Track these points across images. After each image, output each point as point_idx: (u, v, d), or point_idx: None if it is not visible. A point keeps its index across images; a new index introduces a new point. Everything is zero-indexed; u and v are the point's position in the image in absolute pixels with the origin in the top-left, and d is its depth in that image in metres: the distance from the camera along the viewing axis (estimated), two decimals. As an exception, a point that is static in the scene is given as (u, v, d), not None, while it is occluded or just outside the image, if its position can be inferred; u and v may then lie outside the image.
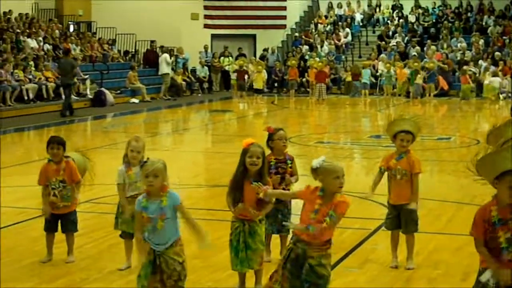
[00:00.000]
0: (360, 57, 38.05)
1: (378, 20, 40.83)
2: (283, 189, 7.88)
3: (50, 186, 8.25)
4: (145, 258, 6.19)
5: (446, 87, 33.10)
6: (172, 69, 33.96)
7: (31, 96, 26.54)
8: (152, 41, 36.05)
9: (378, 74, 34.61)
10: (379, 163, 8.22)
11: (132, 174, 7.84)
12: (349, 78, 34.48)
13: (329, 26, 40.40)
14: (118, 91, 31.27)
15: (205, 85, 35.96)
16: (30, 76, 27.15)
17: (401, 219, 8.07)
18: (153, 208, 6.09)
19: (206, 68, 36.24)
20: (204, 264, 8.16)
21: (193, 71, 36.20)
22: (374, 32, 40.12)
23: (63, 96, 26.23)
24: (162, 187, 6.10)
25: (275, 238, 8.28)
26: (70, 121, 24.34)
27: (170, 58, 33.63)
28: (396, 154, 8.07)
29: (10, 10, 32.11)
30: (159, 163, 6.09)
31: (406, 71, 33.26)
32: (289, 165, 8.06)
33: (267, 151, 7.87)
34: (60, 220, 8.33)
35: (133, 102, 30.71)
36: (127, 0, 36.57)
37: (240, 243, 6.98)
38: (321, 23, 40.59)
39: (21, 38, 30.11)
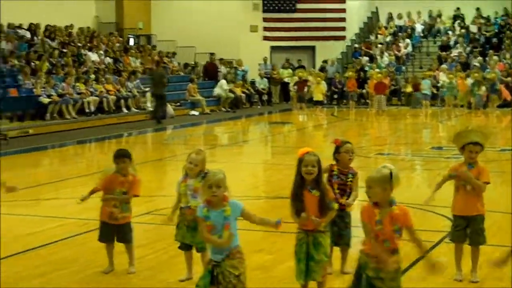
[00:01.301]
0: (420, 68, 37.72)
1: (439, 30, 40.43)
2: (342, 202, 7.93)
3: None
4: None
5: (509, 97, 32.64)
6: (232, 81, 34.14)
7: (92, 109, 26.90)
8: (211, 54, 36.31)
9: (439, 85, 34.26)
10: (448, 172, 8.10)
11: (183, 185, 7.84)
12: (410, 89, 34.19)
13: (389, 37, 40.16)
14: (178, 104, 31.53)
15: (264, 97, 36.07)
16: (91, 89, 27.52)
17: (470, 231, 7.92)
18: (217, 218, 6.13)
19: (265, 80, 36.34)
20: (265, 275, 8.12)
21: (253, 83, 36.33)
22: (435, 42, 39.78)
23: (153, 105, 28.31)
24: (223, 197, 6.17)
25: (336, 251, 8.21)
26: (129, 133, 24.56)
27: (228, 84, 33.76)
28: (465, 164, 7.94)
29: (71, 24, 32.63)
30: (221, 174, 6.18)
31: (468, 81, 32.86)
32: (350, 179, 8.02)
33: (328, 162, 7.82)
34: (117, 231, 8.38)
35: (193, 114, 30.91)
36: (187, 13, 36.89)
37: (304, 254, 6.93)
38: (381, 34, 40.38)
39: (82, 51, 30.58)
